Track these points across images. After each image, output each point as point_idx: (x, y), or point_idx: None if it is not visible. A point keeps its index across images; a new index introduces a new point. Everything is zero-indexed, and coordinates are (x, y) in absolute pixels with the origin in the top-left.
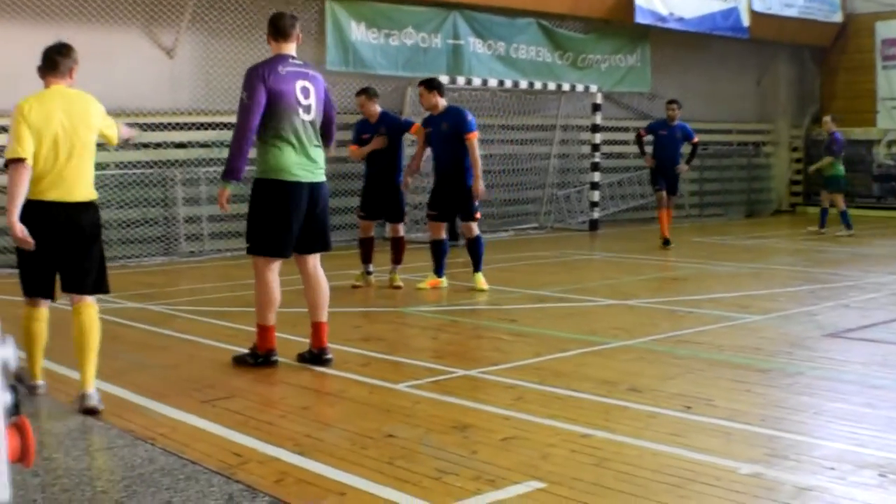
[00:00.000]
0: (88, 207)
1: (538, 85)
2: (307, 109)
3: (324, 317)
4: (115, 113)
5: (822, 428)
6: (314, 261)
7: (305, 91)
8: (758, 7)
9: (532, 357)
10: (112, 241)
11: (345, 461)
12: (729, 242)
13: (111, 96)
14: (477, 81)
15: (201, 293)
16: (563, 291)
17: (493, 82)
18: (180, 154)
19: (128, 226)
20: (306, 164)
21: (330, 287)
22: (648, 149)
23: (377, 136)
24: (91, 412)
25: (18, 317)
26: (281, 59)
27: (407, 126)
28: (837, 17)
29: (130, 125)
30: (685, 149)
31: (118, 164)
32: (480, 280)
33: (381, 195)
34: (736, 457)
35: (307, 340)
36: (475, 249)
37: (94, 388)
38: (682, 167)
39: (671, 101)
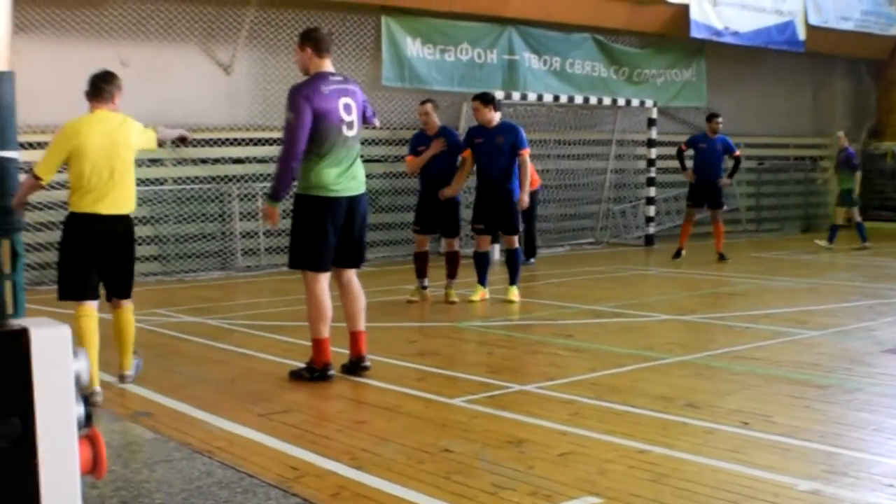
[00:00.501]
0: (126, 219)
1: (593, 100)
2: (350, 126)
3: (361, 325)
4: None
5: (881, 445)
6: (350, 272)
7: (348, 108)
8: (813, 21)
9: (588, 372)
10: (170, 255)
11: (401, 475)
12: (786, 257)
13: (169, 112)
14: (532, 97)
15: (257, 307)
16: (618, 306)
17: (548, 97)
18: (237, 169)
19: (185, 241)
20: (347, 179)
21: (385, 302)
22: (690, 164)
23: (435, 141)
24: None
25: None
26: (322, 77)
27: (461, 148)
28: (894, 31)
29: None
30: (728, 163)
31: (176, 180)
32: (514, 292)
33: (435, 209)
34: (794, 473)
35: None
36: (515, 262)
37: (130, 369)
38: (725, 181)
39: (712, 115)
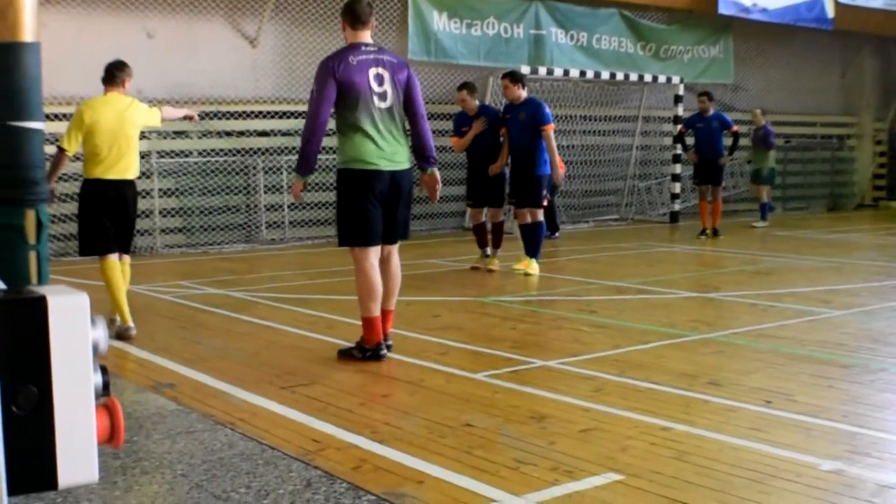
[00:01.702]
0: (132, 184)
1: (620, 76)
2: (382, 97)
3: (392, 304)
4: (199, 101)
5: None
6: (390, 248)
7: (379, 78)
8: None
9: (611, 349)
10: (194, 227)
11: (423, 449)
12: (811, 236)
13: (195, 85)
14: (559, 72)
15: (282, 280)
16: (643, 283)
17: (574, 73)
18: (263, 142)
19: (210, 213)
20: (386, 152)
21: (409, 276)
22: (691, 143)
23: (476, 122)
24: (129, 337)
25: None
26: (353, 48)
27: (502, 123)
28: None
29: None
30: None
31: (201, 153)
32: (533, 265)
33: (484, 183)
34: (817, 453)
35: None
36: (537, 235)
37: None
38: (724, 160)
39: (701, 94)
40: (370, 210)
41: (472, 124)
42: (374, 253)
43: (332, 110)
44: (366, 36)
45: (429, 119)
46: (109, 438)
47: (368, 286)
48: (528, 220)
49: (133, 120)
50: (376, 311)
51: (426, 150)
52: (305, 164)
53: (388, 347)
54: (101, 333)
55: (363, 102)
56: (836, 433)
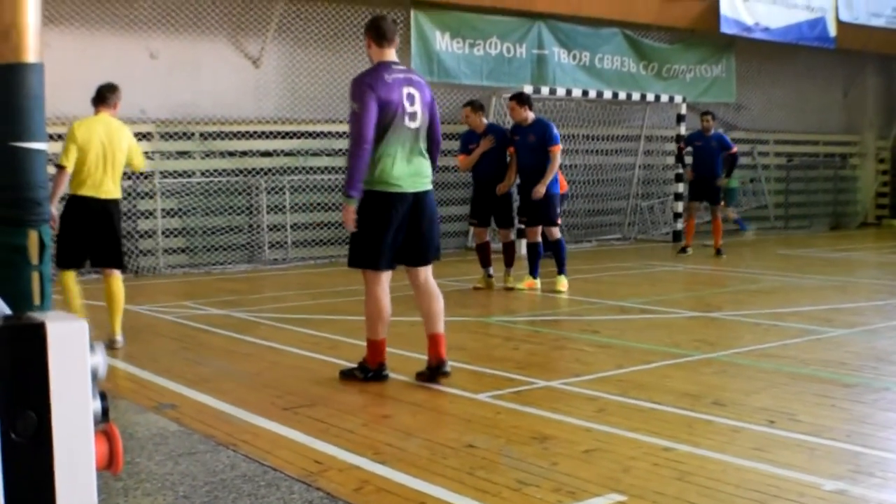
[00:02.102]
0: (116, 203)
1: (622, 95)
2: (413, 117)
3: (439, 328)
4: (202, 121)
5: None
6: (425, 272)
7: (411, 98)
8: (844, 17)
9: (614, 369)
10: (197, 248)
11: (425, 471)
12: (814, 255)
13: (198, 105)
14: (561, 91)
15: (284, 300)
16: (645, 303)
17: (577, 92)
18: (265, 162)
19: (213, 233)
20: (411, 173)
21: (411, 296)
22: (690, 161)
23: (484, 140)
24: (113, 346)
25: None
26: (384, 66)
27: (509, 142)
28: None
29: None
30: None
31: (204, 173)
32: (563, 282)
33: (490, 203)
34: (820, 473)
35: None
36: (559, 251)
37: (120, 334)
38: (722, 180)
39: (704, 113)
40: (387, 235)
41: (479, 142)
42: (386, 277)
43: None
44: (392, 54)
45: None
46: (108, 465)
47: (377, 310)
48: (538, 238)
49: (122, 145)
50: (382, 334)
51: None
52: (354, 184)
53: (445, 374)
54: (100, 359)
55: (396, 122)
56: (840, 453)
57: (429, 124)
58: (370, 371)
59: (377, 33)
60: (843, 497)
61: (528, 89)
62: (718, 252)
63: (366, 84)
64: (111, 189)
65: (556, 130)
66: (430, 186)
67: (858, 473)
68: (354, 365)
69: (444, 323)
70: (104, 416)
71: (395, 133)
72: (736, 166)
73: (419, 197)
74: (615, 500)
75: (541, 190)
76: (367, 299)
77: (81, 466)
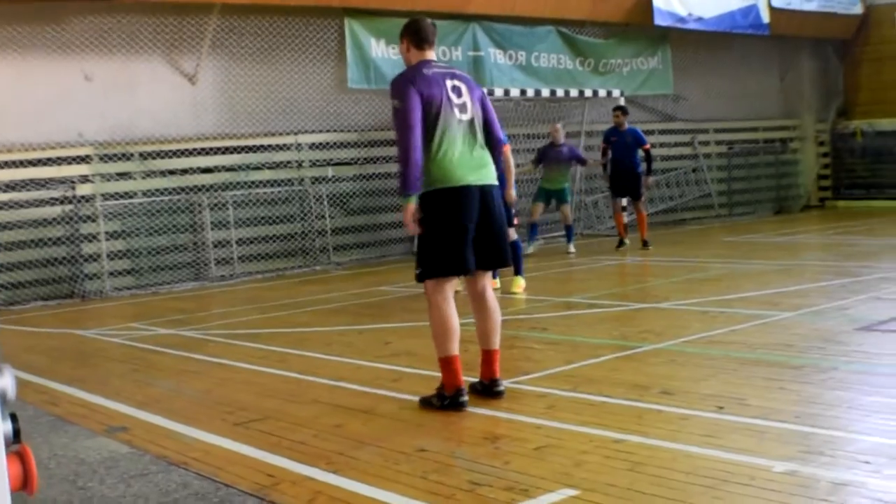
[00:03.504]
0: None
1: (560, 92)
2: (462, 108)
3: (494, 344)
4: (140, 141)
5: (857, 422)
6: (483, 280)
7: (457, 90)
8: (777, 3)
9: (563, 365)
10: (143, 268)
11: (378, 478)
12: (759, 240)
13: (135, 125)
14: (499, 92)
15: (232, 316)
16: (593, 297)
17: (515, 92)
18: (207, 179)
19: (157, 253)
20: (474, 166)
21: (360, 304)
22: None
23: None
24: None
25: (21, 347)
26: (423, 63)
27: None
28: (858, 10)
29: None
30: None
31: (145, 193)
32: (520, 282)
33: None
34: (770, 455)
35: (329, 357)
36: (515, 253)
37: None
38: (646, 181)
39: (616, 108)
40: (458, 236)
41: None
42: (451, 287)
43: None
44: (432, 55)
45: (371, 146)
46: (23, 486)
47: (444, 323)
48: (516, 236)
49: None
50: (453, 350)
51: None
52: (409, 181)
53: (499, 394)
54: (8, 382)
55: (444, 115)
56: (789, 434)
57: (485, 122)
58: (446, 398)
59: (416, 37)
60: (793, 478)
61: None
62: (645, 244)
63: (405, 79)
64: None
65: (503, 131)
66: (495, 181)
67: (808, 453)
68: (433, 392)
69: (499, 338)
70: (16, 438)
71: (447, 127)
72: (653, 160)
73: (486, 191)
74: (568, 495)
75: (512, 194)
76: (431, 312)
77: None
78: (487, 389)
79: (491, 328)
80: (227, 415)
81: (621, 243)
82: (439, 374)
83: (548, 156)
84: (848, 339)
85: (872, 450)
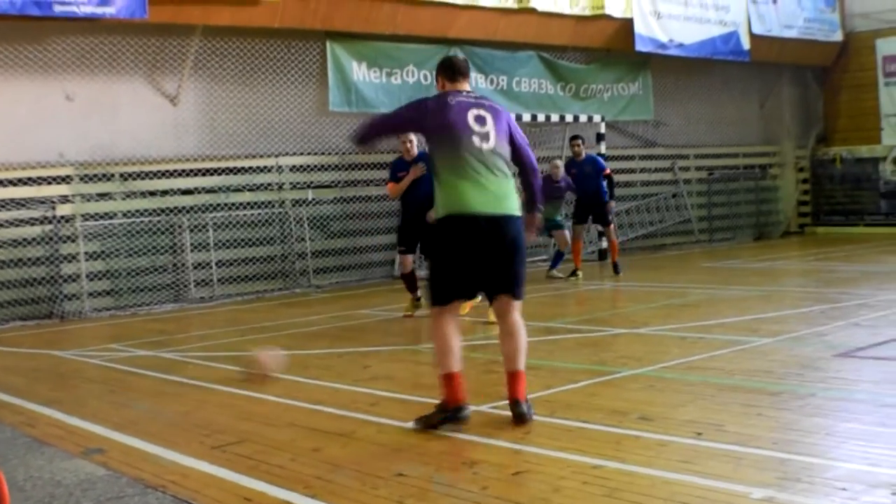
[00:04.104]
0: None
1: (541, 117)
2: (484, 137)
3: (515, 366)
4: (121, 162)
5: (834, 449)
6: (506, 305)
7: (481, 119)
8: (757, 30)
9: (542, 389)
10: (122, 289)
11: (355, 502)
12: (738, 266)
13: (116, 146)
14: None
15: (212, 338)
16: (572, 322)
17: None
18: (187, 200)
19: (137, 274)
20: (488, 197)
21: (339, 327)
22: None
23: (414, 167)
24: None
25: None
26: (451, 92)
27: None
28: (838, 37)
29: None
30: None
31: (125, 213)
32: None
33: (419, 229)
34: (748, 482)
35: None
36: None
37: None
38: (609, 205)
39: (573, 137)
40: (457, 264)
41: (409, 170)
42: (451, 312)
43: (429, 150)
44: (465, 86)
45: (352, 169)
46: None
47: (442, 343)
48: None
49: None
50: (453, 366)
51: (534, 203)
52: (363, 132)
53: (521, 417)
54: None
55: (464, 144)
56: (767, 461)
57: (514, 149)
58: (448, 412)
59: (448, 72)
60: None
61: None
62: (615, 268)
63: (422, 99)
64: None
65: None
66: (514, 212)
67: (786, 480)
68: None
69: (522, 361)
70: None
71: (464, 155)
72: (615, 185)
73: (497, 221)
74: None
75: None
76: (432, 331)
77: None
78: (511, 410)
79: (511, 350)
80: (204, 437)
81: (574, 273)
82: (419, 399)
83: (544, 191)
84: (826, 365)
85: (849, 476)
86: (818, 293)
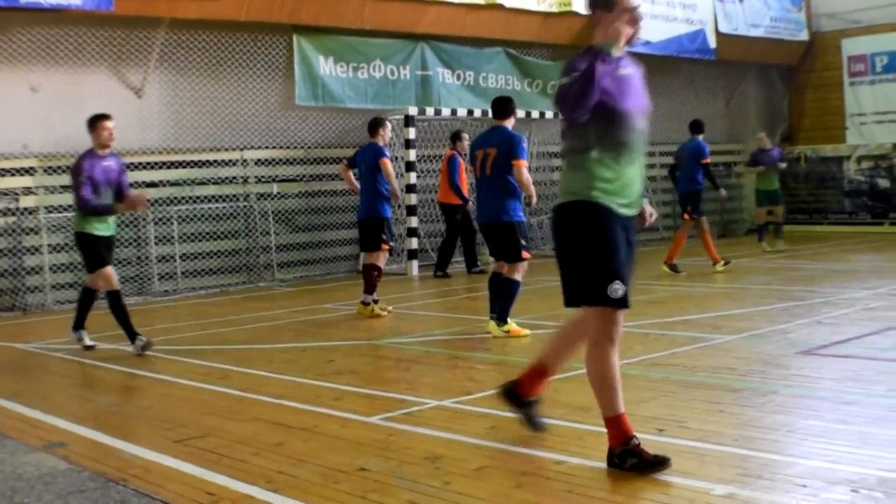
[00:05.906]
0: None
1: None
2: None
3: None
4: None
5: (795, 446)
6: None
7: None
8: (724, 28)
9: None
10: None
11: (317, 497)
12: (703, 263)
13: (81, 138)
14: (446, 112)
15: (175, 332)
16: (537, 319)
17: (462, 112)
18: (151, 193)
19: None
20: (631, 192)
21: (303, 322)
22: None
23: None
24: None
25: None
26: (619, 58)
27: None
28: (804, 36)
29: None
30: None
31: None
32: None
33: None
34: (709, 478)
35: (271, 375)
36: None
37: None
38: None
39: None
40: (620, 254)
41: None
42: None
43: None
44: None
45: (318, 163)
46: None
47: (611, 374)
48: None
49: None
50: (622, 405)
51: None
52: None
53: (529, 406)
54: None
55: (631, 121)
56: (729, 457)
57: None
58: (645, 454)
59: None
60: (732, 500)
61: (412, 111)
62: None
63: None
64: None
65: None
66: (564, 197)
67: (747, 476)
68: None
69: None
70: None
71: (626, 134)
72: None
73: (628, 223)
74: None
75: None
76: (595, 357)
77: None
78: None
79: (570, 355)
80: (167, 431)
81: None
82: (383, 393)
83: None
84: (788, 362)
85: (810, 473)
86: (781, 291)
